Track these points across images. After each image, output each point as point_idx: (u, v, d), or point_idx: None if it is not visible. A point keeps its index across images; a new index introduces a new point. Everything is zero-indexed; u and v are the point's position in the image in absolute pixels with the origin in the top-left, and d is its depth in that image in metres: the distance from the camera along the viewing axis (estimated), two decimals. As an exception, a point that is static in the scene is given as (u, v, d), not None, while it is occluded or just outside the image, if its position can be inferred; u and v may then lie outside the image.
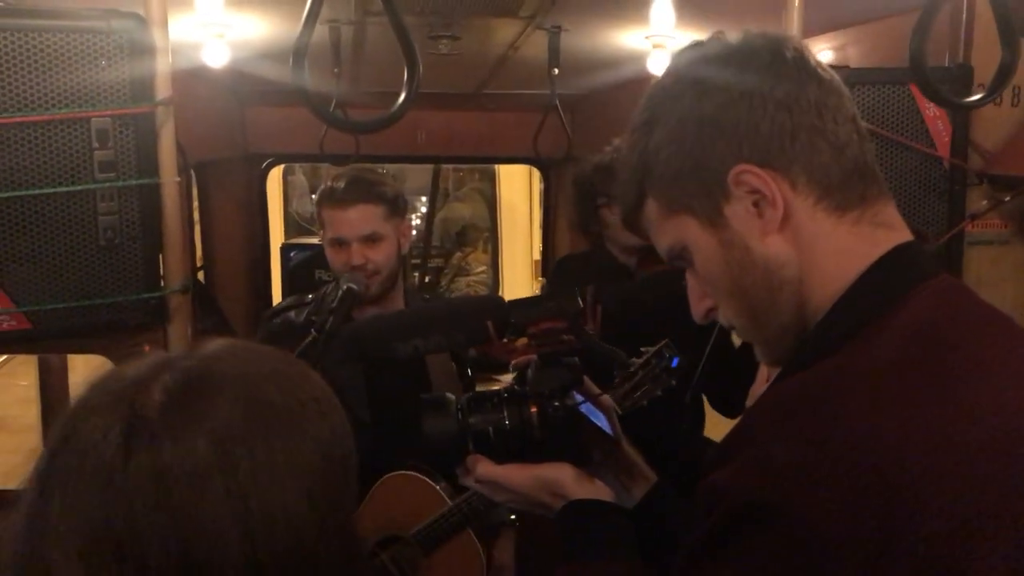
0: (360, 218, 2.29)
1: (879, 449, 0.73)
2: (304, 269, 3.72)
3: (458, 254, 7.94)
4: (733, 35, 0.95)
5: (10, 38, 1.50)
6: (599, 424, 1.21)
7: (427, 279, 6.85)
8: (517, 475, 1.14)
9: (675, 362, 1.99)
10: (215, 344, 0.88)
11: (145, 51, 1.60)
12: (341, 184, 2.31)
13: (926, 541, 0.70)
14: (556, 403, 1.13)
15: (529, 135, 3.42)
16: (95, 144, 1.58)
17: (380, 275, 2.31)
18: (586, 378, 1.21)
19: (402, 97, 1.46)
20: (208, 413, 0.78)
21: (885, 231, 0.89)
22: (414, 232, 7.52)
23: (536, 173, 5.40)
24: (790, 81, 0.89)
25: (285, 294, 3.94)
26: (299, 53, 1.44)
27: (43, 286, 1.59)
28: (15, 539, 0.79)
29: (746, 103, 0.89)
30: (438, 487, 2.26)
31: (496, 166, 5.67)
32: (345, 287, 2.18)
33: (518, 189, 5.69)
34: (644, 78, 2.81)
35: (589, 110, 3.67)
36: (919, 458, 0.72)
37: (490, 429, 1.14)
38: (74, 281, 1.61)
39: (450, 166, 7.34)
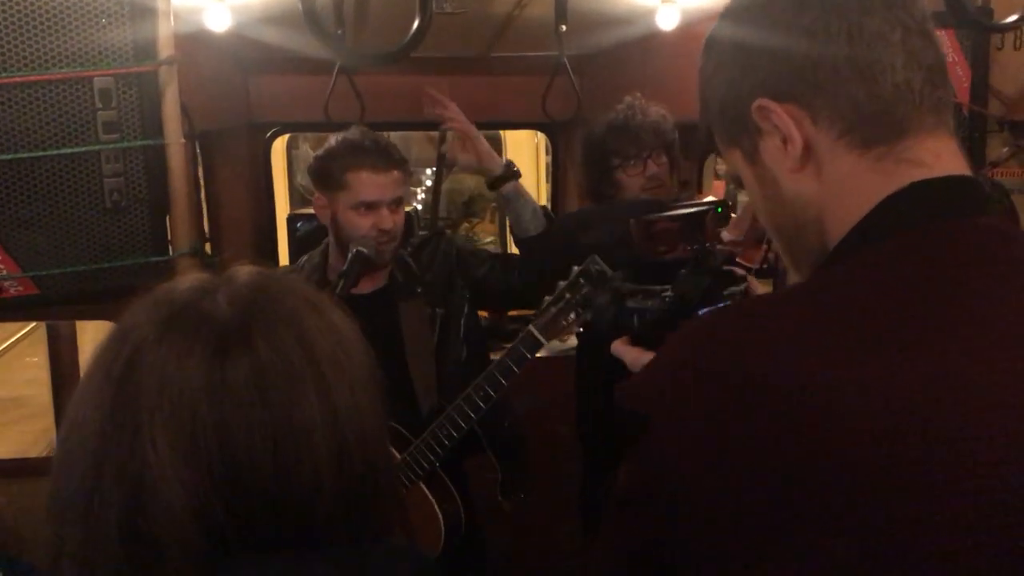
0: (393, 183, 2.30)
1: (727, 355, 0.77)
2: (311, 239, 3.69)
3: (465, 224, 7.91)
4: None
5: (9, -4, 1.47)
6: None
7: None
8: (630, 354, 1.26)
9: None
10: (244, 268, 0.90)
11: (146, 11, 1.57)
12: (370, 145, 2.27)
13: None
14: (673, 305, 1.29)
15: (536, 99, 3.37)
16: (98, 104, 1.55)
17: (396, 240, 2.31)
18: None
19: (416, 23, 1.42)
20: (290, 316, 0.83)
21: (909, 167, 0.84)
22: (419, 206, 7.49)
23: (543, 140, 5.35)
24: (826, 3, 0.84)
25: (292, 263, 3.92)
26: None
27: (49, 250, 1.58)
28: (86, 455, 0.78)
29: (770, 31, 0.86)
30: (405, 432, 2.26)
31: (502, 135, 5.61)
32: (355, 250, 2.17)
33: (525, 159, 5.64)
34: (653, 35, 2.77)
35: (598, 70, 3.62)
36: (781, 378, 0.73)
37: (634, 316, 1.33)
38: (81, 245, 1.59)
39: (454, 135, 7.28)
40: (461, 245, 2.68)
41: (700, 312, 1.26)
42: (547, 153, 5.35)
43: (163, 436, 0.77)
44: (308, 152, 6.30)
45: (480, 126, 2.70)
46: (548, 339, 2.08)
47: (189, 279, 0.87)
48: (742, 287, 1.32)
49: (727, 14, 0.92)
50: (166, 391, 0.78)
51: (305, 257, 2.50)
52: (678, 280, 1.31)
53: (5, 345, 9.05)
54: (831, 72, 0.83)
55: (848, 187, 0.85)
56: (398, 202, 2.31)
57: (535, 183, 5.71)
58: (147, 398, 0.78)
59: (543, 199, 5.74)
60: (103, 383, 0.81)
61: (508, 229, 5.58)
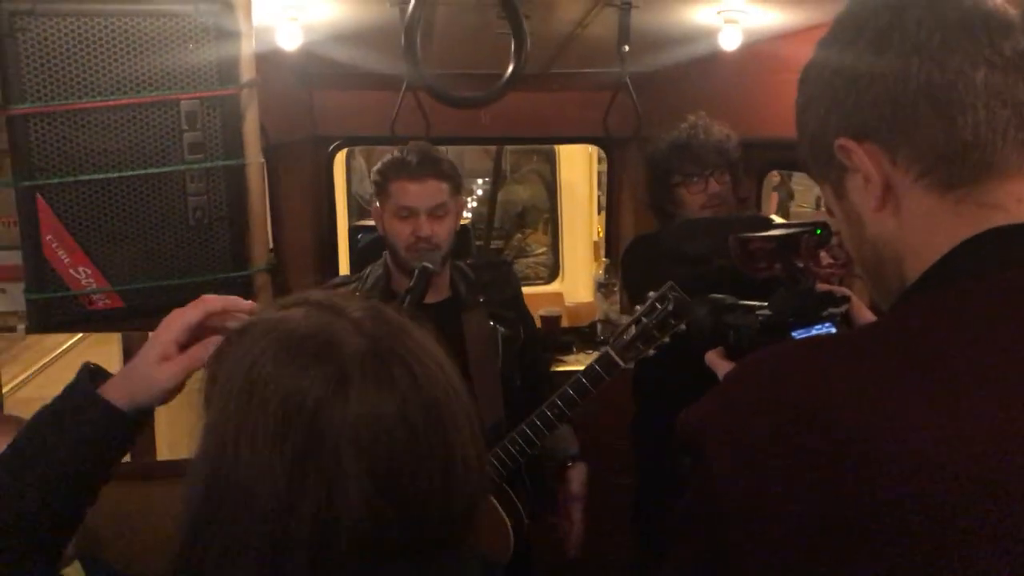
0: (430, 191, 2.33)
1: (786, 409, 0.77)
2: (371, 250, 3.76)
3: (518, 235, 7.95)
4: None
5: (103, 23, 1.54)
6: None
7: (485, 252, 6.88)
8: (722, 367, 1.31)
9: None
10: (371, 303, 0.97)
11: (230, 34, 1.63)
12: (413, 158, 2.34)
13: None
14: (767, 322, 1.34)
15: (595, 115, 3.40)
16: (184, 126, 1.62)
17: (441, 250, 2.35)
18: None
19: (510, 69, 1.46)
20: (413, 369, 0.89)
21: (989, 211, 0.82)
22: (470, 214, 7.55)
23: (596, 154, 5.37)
24: (905, 43, 0.83)
25: (354, 274, 3.99)
26: (411, 31, 1.43)
27: (136, 265, 1.64)
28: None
29: (852, 68, 0.86)
30: None
31: (556, 147, 5.64)
32: (422, 265, 2.21)
33: (578, 170, 5.66)
34: (715, 54, 2.78)
35: (657, 88, 3.64)
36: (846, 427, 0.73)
37: (731, 331, 1.38)
38: (165, 260, 1.66)
39: (508, 148, 7.33)
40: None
41: (794, 332, 1.28)
42: (599, 162, 5.36)
43: (351, 470, 0.82)
44: (363, 164, 6.40)
45: (539, 141, 2.75)
46: (625, 362, 2.09)
47: (306, 311, 0.92)
48: (843, 308, 1.33)
49: (819, 46, 0.93)
50: (349, 425, 0.84)
51: (369, 268, 2.56)
52: (773, 299, 1.34)
53: (67, 345, 9.29)
54: (910, 112, 0.83)
55: (926, 229, 0.85)
56: (438, 210, 2.35)
57: (588, 191, 5.73)
58: (332, 437, 0.83)
59: (595, 208, 5.77)
60: (271, 422, 0.84)
61: (560, 241, 5.63)
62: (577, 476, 2.50)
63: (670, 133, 2.58)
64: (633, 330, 2.07)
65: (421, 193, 2.32)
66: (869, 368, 0.77)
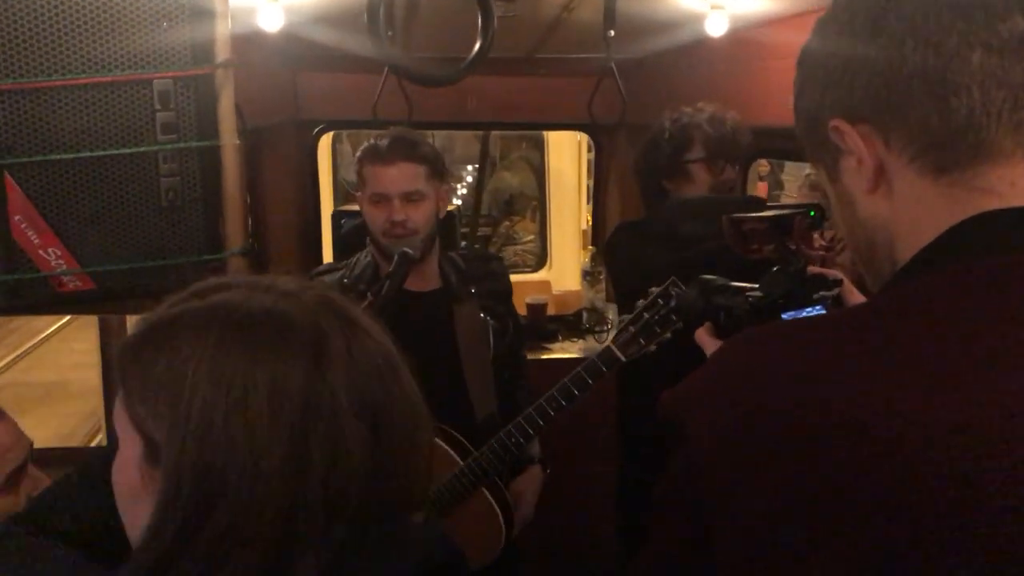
0: (402, 175, 2.31)
1: (769, 383, 0.77)
2: (355, 235, 3.73)
3: (506, 223, 7.93)
4: None
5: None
6: None
7: (476, 246, 6.85)
8: (710, 346, 1.33)
9: None
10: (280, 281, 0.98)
11: (205, 13, 1.60)
12: (384, 142, 2.32)
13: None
14: (756, 304, 1.34)
15: (581, 101, 3.38)
16: (157, 106, 1.58)
17: (419, 235, 2.33)
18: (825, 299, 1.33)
19: (476, 47, 1.43)
20: (368, 328, 0.94)
21: (980, 195, 0.81)
22: (459, 201, 7.52)
23: (585, 142, 5.35)
24: (901, 24, 0.82)
25: (336, 260, 3.96)
26: (373, 8, 1.40)
27: (107, 247, 1.61)
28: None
29: (848, 50, 0.85)
30: (449, 449, 2.29)
31: (545, 134, 5.61)
32: (401, 251, 2.19)
33: (567, 158, 5.64)
34: (701, 40, 2.76)
35: (644, 75, 3.62)
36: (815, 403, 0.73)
37: (721, 312, 1.38)
38: (137, 242, 1.63)
39: (497, 134, 7.30)
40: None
41: (784, 315, 1.27)
42: (589, 150, 5.34)
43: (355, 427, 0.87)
44: (349, 149, 6.36)
45: (524, 127, 2.74)
46: (627, 357, 2.08)
47: (239, 296, 0.92)
48: (834, 291, 1.32)
49: (815, 28, 0.92)
50: (353, 397, 0.87)
51: (357, 256, 2.54)
52: (764, 280, 1.33)
53: (52, 329, 9.26)
54: (904, 94, 0.82)
55: (918, 212, 0.84)
56: (413, 196, 2.32)
57: (577, 179, 5.71)
58: (340, 407, 0.87)
59: (584, 197, 5.75)
60: (272, 392, 0.85)
61: (548, 229, 5.61)
62: (531, 478, 2.50)
63: (696, 109, 2.53)
64: (633, 327, 2.05)
65: (394, 177, 2.30)
66: (855, 348, 0.76)
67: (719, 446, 0.78)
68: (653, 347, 2.05)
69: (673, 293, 2.01)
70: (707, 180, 2.49)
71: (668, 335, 2.04)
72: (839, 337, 0.78)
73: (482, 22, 1.44)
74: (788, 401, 0.74)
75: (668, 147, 2.52)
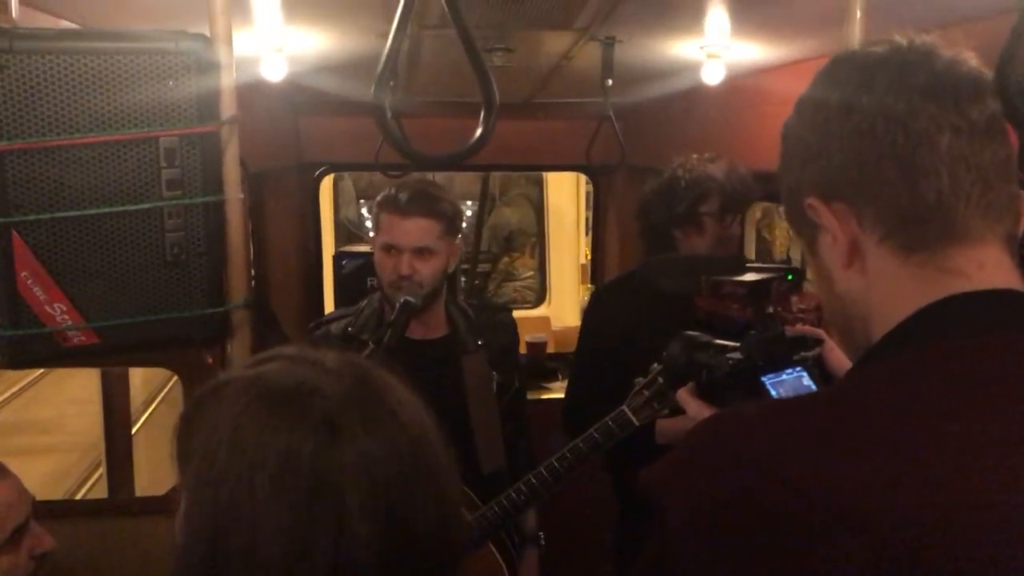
0: (417, 230, 2.31)
1: (749, 464, 0.77)
2: (356, 277, 3.76)
3: (505, 259, 7.96)
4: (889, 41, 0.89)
5: (83, 60, 1.53)
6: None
7: (475, 283, 6.87)
8: (691, 405, 1.33)
9: None
10: (348, 355, 0.99)
11: (211, 70, 1.62)
12: (405, 194, 2.33)
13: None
14: (736, 366, 1.34)
15: (579, 143, 3.41)
16: (163, 163, 1.61)
17: (424, 289, 2.33)
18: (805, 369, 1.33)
19: (478, 133, 1.45)
20: (395, 410, 0.92)
21: (949, 277, 0.83)
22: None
23: (583, 177, 5.39)
24: (873, 105, 0.84)
25: (338, 302, 3.98)
26: (381, 81, 1.43)
27: (112, 301, 1.63)
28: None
29: (823, 129, 0.88)
30: (470, 492, 2.28)
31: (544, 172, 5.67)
32: (403, 300, 2.20)
33: (566, 194, 5.69)
34: (697, 88, 2.80)
35: (641, 119, 3.66)
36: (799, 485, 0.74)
37: (703, 371, 1.39)
38: (141, 296, 1.64)
39: (497, 172, 7.36)
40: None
41: (763, 377, 1.28)
42: (587, 183, 5.38)
43: (355, 510, 0.86)
44: (350, 187, 6.40)
45: (524, 168, 2.75)
46: (640, 422, 2.05)
47: (291, 364, 0.95)
48: (815, 351, 1.33)
49: (796, 105, 0.94)
50: (359, 474, 0.87)
51: (365, 301, 2.53)
52: (744, 342, 1.34)
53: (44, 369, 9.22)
54: (875, 174, 0.84)
55: (890, 291, 0.86)
56: (424, 251, 2.32)
57: (576, 214, 5.75)
58: (343, 484, 0.86)
59: (583, 231, 5.77)
60: (276, 471, 0.87)
61: (547, 265, 5.63)
62: (529, 566, 2.50)
63: (709, 159, 2.54)
64: (648, 392, 2.04)
65: (408, 231, 2.31)
66: (825, 434, 0.77)
67: (692, 532, 0.79)
68: (666, 412, 2.04)
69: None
70: (716, 232, 2.49)
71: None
72: (810, 424, 0.79)
73: (484, 112, 1.47)
74: (761, 488, 0.75)
75: (684, 197, 2.50)
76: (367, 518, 0.85)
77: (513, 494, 2.22)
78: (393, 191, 2.38)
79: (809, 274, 1.02)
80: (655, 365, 2.06)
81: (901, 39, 0.87)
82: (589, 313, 2.85)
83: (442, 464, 0.94)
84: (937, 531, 0.68)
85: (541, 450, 2.66)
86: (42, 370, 9.14)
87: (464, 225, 8.25)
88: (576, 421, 2.62)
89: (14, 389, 9.03)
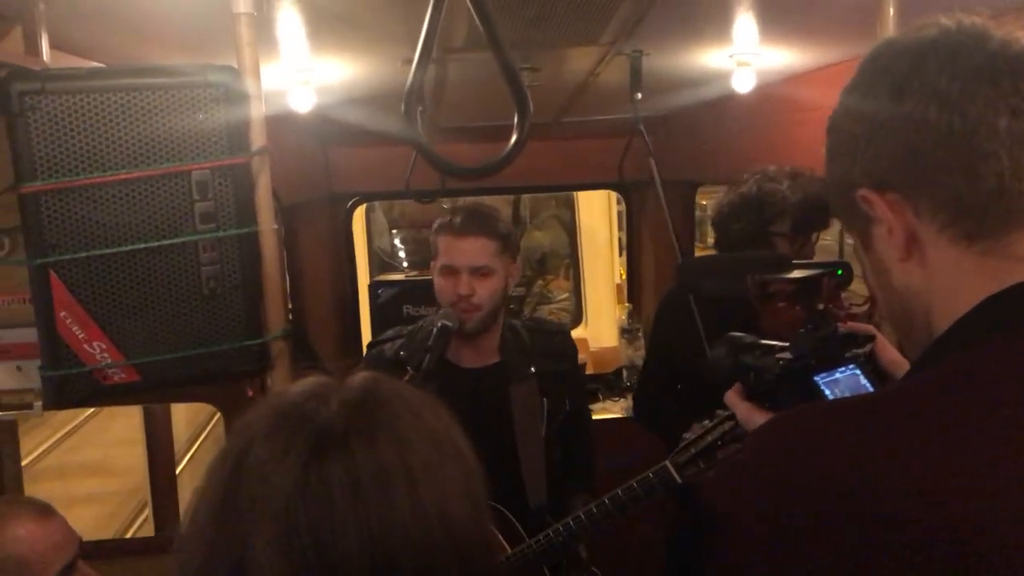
0: (473, 249, 2.31)
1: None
2: (392, 305, 3.76)
3: (539, 282, 7.92)
4: (942, 22, 0.84)
5: (113, 97, 1.54)
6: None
7: (511, 307, 6.85)
8: (741, 408, 1.27)
9: None
10: (360, 374, 0.94)
11: (240, 101, 1.62)
12: (460, 216, 2.33)
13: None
14: (787, 367, 1.27)
15: (608, 159, 3.39)
16: (196, 196, 1.60)
17: (482, 310, 2.31)
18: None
19: (513, 140, 1.44)
20: (389, 423, 0.86)
21: (1014, 264, 0.80)
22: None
23: (615, 196, 5.36)
24: (925, 91, 0.80)
25: (374, 330, 3.98)
26: (410, 99, 1.42)
27: (150, 338, 1.62)
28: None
29: (873, 118, 0.84)
30: (516, 523, 2.25)
31: (575, 192, 5.64)
32: (440, 324, 2.19)
33: (597, 214, 5.65)
34: (728, 97, 2.77)
35: (671, 130, 3.63)
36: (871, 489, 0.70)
37: (752, 373, 1.33)
38: (179, 331, 1.64)
39: (528, 195, 7.36)
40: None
41: (816, 377, 1.24)
42: (619, 202, 5.35)
43: (262, 534, 0.80)
44: (382, 218, 6.42)
45: (555, 189, 2.73)
46: (683, 479, 2.00)
47: (308, 382, 0.91)
48: (866, 348, 1.28)
49: (843, 94, 0.91)
50: (265, 489, 0.82)
51: (420, 324, 2.51)
52: (793, 341, 1.29)
53: (89, 412, 9.34)
54: (930, 162, 0.80)
55: (952, 281, 0.82)
56: (483, 271, 2.32)
57: (608, 234, 5.71)
58: (248, 497, 0.82)
59: (616, 250, 5.73)
60: (215, 479, 0.86)
61: (582, 286, 5.59)
62: None
63: (793, 176, 2.48)
64: (694, 449, 2.00)
65: (465, 251, 2.30)
66: (902, 432, 0.73)
67: (763, 539, 0.75)
68: (712, 473, 1.99)
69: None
70: (787, 251, 2.46)
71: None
72: (884, 420, 0.76)
73: (518, 118, 1.45)
74: (836, 490, 0.71)
75: (756, 215, 2.48)
76: (353, 533, 0.80)
77: (552, 534, 2.19)
78: (448, 216, 2.37)
79: (858, 270, 0.98)
80: (705, 422, 2.01)
81: (949, 21, 0.84)
82: (654, 319, 2.89)
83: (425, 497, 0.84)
84: None
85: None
86: (88, 412, 9.30)
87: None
88: (642, 420, 2.80)
89: (60, 433, 9.14)
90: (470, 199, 2.75)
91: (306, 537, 0.79)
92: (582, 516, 2.15)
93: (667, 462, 2.02)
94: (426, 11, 1.46)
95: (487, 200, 7.90)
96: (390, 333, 2.55)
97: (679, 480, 1.99)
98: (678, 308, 2.53)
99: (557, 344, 2.54)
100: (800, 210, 2.44)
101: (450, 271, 2.32)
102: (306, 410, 0.87)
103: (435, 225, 2.42)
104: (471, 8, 1.34)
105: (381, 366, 2.30)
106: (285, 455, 0.83)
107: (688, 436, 1.98)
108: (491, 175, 1.64)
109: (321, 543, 0.79)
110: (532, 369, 2.40)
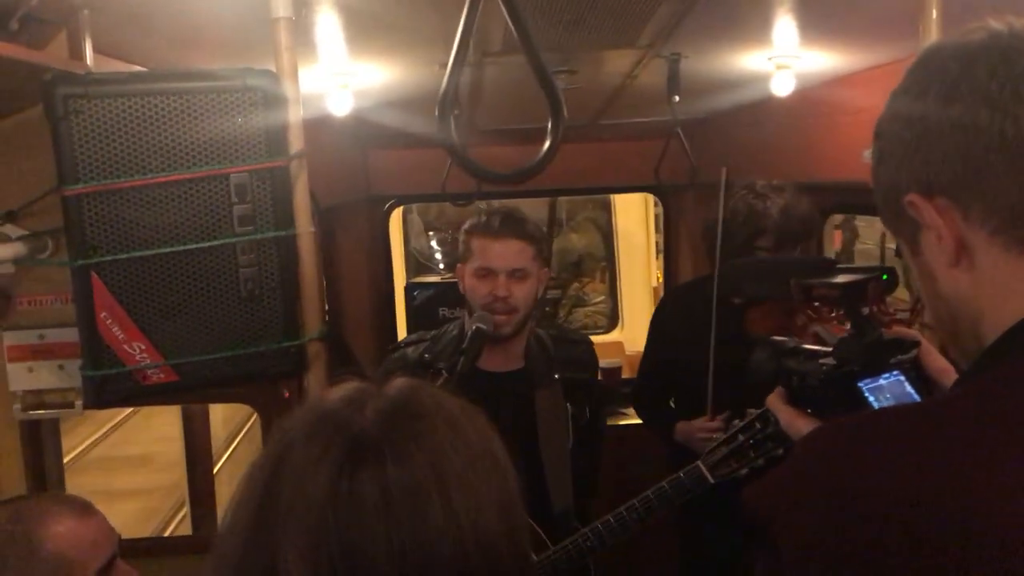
0: (511, 251, 2.32)
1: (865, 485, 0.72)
2: (428, 307, 3.78)
3: (575, 284, 7.92)
4: (995, 24, 0.83)
5: (154, 101, 1.56)
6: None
7: (546, 309, 6.84)
8: (784, 413, 1.25)
9: None
10: (399, 381, 0.94)
11: (278, 105, 1.64)
12: (497, 218, 2.33)
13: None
14: (831, 372, 1.25)
15: (646, 162, 3.38)
16: (234, 199, 1.62)
17: (518, 313, 2.32)
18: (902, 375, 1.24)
19: (547, 145, 1.44)
20: (423, 434, 0.85)
21: None
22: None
23: (651, 199, 5.33)
24: (975, 95, 0.79)
25: (410, 332, 4.00)
26: (445, 103, 1.43)
27: (189, 338, 1.64)
28: (235, 550, 0.85)
29: (922, 122, 0.83)
30: (539, 530, 2.24)
31: (611, 195, 5.63)
32: (475, 327, 2.19)
33: (634, 217, 5.64)
34: (767, 100, 2.74)
35: (709, 133, 3.61)
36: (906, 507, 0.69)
37: (794, 378, 1.30)
38: (218, 332, 1.65)
39: (564, 197, 7.36)
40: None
41: (860, 383, 1.22)
42: (656, 205, 5.32)
43: (294, 540, 0.80)
44: (418, 219, 6.46)
45: (592, 191, 2.74)
46: (715, 479, 2.01)
47: (348, 388, 0.92)
48: (911, 354, 1.26)
49: (891, 98, 0.89)
50: (299, 497, 0.82)
51: (444, 327, 2.53)
52: (838, 346, 1.27)
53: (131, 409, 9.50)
54: (981, 167, 0.79)
55: (1003, 288, 0.80)
56: (519, 273, 2.32)
57: (645, 237, 5.69)
58: (284, 501, 0.83)
59: (653, 253, 5.71)
60: (255, 481, 0.87)
61: (619, 289, 5.57)
62: None
63: (773, 189, 2.55)
64: (726, 448, 1.98)
65: (502, 253, 2.31)
66: (955, 444, 0.72)
67: (811, 553, 0.73)
68: (745, 472, 1.98)
69: (772, 419, 1.94)
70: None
71: (761, 461, 1.97)
72: (937, 432, 0.74)
73: (552, 122, 1.45)
74: (889, 503, 0.70)
75: (740, 231, 2.56)
76: (380, 543, 0.80)
77: (580, 540, 2.18)
78: (483, 217, 2.38)
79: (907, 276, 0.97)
80: (735, 421, 2.00)
81: (999, 24, 0.82)
82: (655, 311, 3.03)
83: (453, 509, 0.83)
84: None
85: (620, 477, 2.62)
86: (130, 410, 9.46)
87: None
88: (639, 407, 2.96)
89: (104, 429, 9.30)
90: (507, 202, 2.74)
91: (335, 547, 0.79)
92: (612, 520, 2.14)
93: (699, 462, 2.01)
94: (462, 14, 1.46)
95: (524, 204, 7.94)
96: (411, 337, 2.57)
97: (712, 480, 1.98)
98: (684, 303, 2.57)
99: (579, 353, 2.55)
100: (782, 226, 2.49)
101: (487, 272, 2.32)
102: (342, 417, 0.87)
103: (467, 226, 2.42)
104: (504, 12, 1.33)
105: (407, 369, 2.31)
106: (320, 462, 0.83)
107: (719, 436, 1.98)
108: (523, 181, 1.64)
109: (349, 554, 0.79)
110: (556, 376, 2.39)
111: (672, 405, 2.84)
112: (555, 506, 2.32)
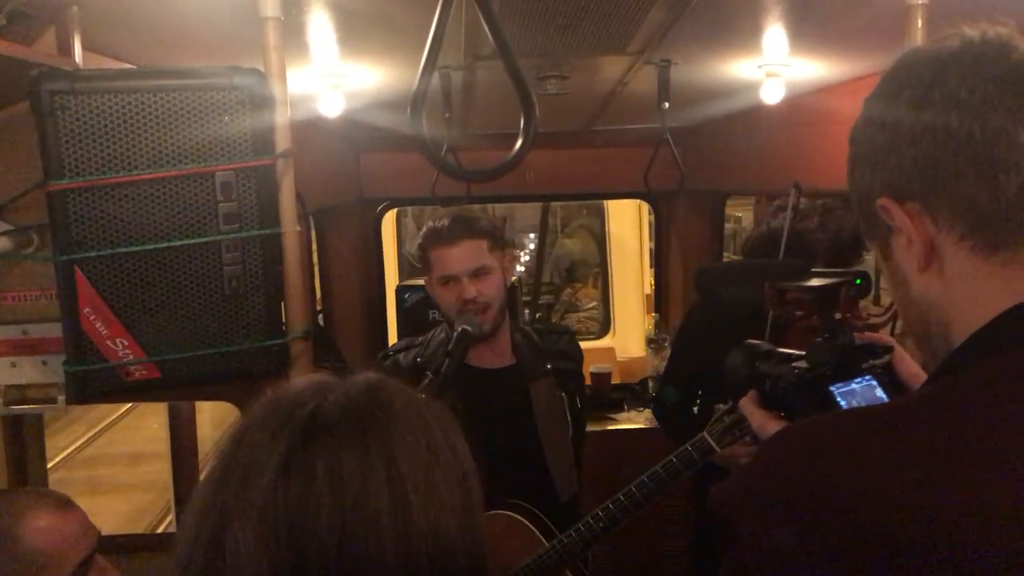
0: (467, 253, 2.34)
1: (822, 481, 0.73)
2: (418, 310, 3.78)
3: (568, 290, 7.93)
4: (968, 33, 0.84)
5: (140, 98, 1.56)
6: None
7: (538, 315, 6.85)
8: (756, 416, 1.26)
9: None
10: (368, 374, 0.95)
11: (266, 105, 1.64)
12: (444, 223, 2.36)
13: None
14: (803, 376, 1.27)
15: (638, 169, 3.38)
16: (219, 197, 1.62)
17: (492, 308, 2.35)
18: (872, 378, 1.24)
19: (518, 145, 1.45)
20: (384, 427, 0.86)
21: None
22: (522, 268, 7.56)
23: (646, 207, 5.34)
24: (946, 100, 0.80)
25: (400, 334, 4.00)
26: (417, 103, 1.44)
27: (172, 335, 1.64)
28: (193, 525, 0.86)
29: (894, 127, 0.84)
30: (535, 529, 2.25)
31: (605, 201, 5.64)
32: (460, 329, 2.20)
33: (627, 224, 5.65)
34: (757, 107, 2.75)
35: (700, 141, 3.62)
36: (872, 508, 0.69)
37: (767, 381, 1.32)
38: (201, 330, 1.66)
39: (557, 203, 7.37)
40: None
41: (832, 387, 1.23)
42: (650, 213, 5.34)
43: (245, 510, 0.82)
44: (412, 223, 6.46)
45: (583, 197, 2.75)
46: (721, 447, 2.04)
47: (315, 377, 0.94)
48: (884, 359, 1.27)
49: (865, 104, 0.90)
50: (252, 468, 0.84)
51: (432, 332, 2.56)
52: (810, 351, 1.28)
53: (129, 405, 9.49)
54: (951, 172, 0.79)
55: (971, 293, 0.81)
56: (481, 271, 2.35)
57: (638, 244, 5.70)
58: (238, 473, 0.85)
59: (646, 261, 5.72)
60: (214, 460, 0.89)
61: (611, 296, 5.58)
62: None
63: (824, 211, 2.47)
64: (729, 418, 2.01)
65: (459, 257, 2.33)
66: (917, 446, 0.73)
67: (772, 554, 0.74)
68: (748, 439, 1.99)
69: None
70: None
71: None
72: (899, 434, 0.75)
73: (524, 120, 1.46)
74: (848, 505, 0.70)
75: (787, 254, 2.43)
76: (250, 521, 0.81)
77: (592, 521, 2.19)
78: (432, 225, 2.41)
79: (883, 281, 0.97)
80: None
81: (972, 32, 0.83)
82: (684, 320, 2.94)
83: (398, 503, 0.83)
84: None
85: (613, 480, 2.62)
86: (124, 408, 9.44)
87: (527, 258, 8.29)
88: (661, 414, 2.85)
89: (96, 430, 9.29)
90: (499, 206, 2.76)
91: (281, 516, 0.80)
92: (621, 497, 2.15)
93: (704, 433, 2.04)
94: (459, 17, 1.47)
95: (518, 210, 7.93)
96: (400, 344, 2.61)
97: (718, 449, 2.01)
98: (703, 323, 2.54)
99: (565, 344, 2.60)
100: (833, 250, 2.42)
101: (448, 279, 2.35)
102: (303, 399, 0.89)
103: (421, 239, 2.46)
104: (477, 9, 1.35)
105: (400, 375, 2.32)
106: (276, 437, 0.85)
107: (722, 406, 2.00)
108: (495, 179, 1.65)
109: (295, 527, 0.80)
110: (548, 366, 2.43)
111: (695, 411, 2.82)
112: (561, 494, 2.34)
